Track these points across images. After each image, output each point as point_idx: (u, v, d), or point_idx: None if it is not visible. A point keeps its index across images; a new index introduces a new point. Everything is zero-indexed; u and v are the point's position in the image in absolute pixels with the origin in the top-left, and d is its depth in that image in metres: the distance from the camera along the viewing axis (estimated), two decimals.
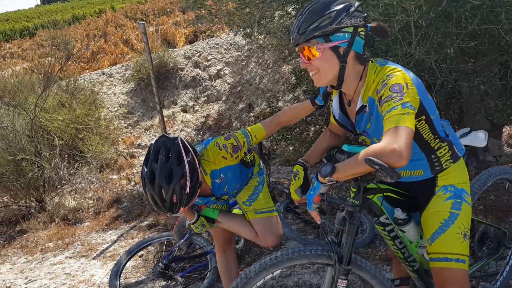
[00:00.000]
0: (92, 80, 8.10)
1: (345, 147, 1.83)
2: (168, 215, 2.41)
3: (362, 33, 1.75)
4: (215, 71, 7.58)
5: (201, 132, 6.76)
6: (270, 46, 6.23)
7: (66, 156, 5.66)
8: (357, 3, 1.73)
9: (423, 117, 1.76)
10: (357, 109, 1.85)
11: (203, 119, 6.99)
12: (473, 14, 3.32)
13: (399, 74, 1.68)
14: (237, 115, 6.82)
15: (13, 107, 5.97)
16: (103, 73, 8.43)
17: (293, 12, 5.00)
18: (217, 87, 7.38)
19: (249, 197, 2.55)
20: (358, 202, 1.80)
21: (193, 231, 2.64)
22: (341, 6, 1.70)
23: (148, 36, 10.39)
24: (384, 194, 2.00)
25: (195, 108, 7.27)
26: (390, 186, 1.97)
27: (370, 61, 1.83)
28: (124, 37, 10.36)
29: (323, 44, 1.73)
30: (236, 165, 2.41)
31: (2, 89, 6.44)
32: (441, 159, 1.87)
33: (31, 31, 28.15)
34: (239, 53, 7.51)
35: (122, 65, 8.53)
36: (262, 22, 5.17)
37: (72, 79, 7.41)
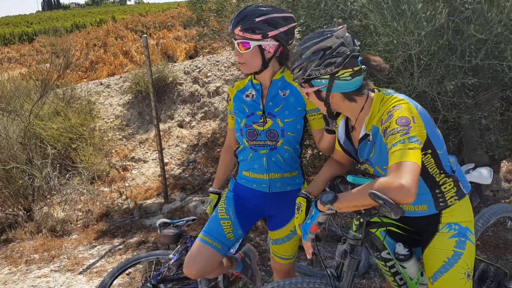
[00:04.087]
0: (89, 90, 8.04)
1: (349, 178, 1.79)
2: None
3: (345, 75, 1.73)
4: (214, 88, 7.55)
5: (197, 149, 6.70)
6: None
7: (57, 165, 5.56)
8: (336, 44, 1.71)
9: (429, 151, 1.73)
10: (360, 137, 1.82)
11: (199, 136, 6.94)
12: (477, 48, 3.32)
13: (406, 106, 1.65)
14: None
15: (7, 113, 5.89)
16: (101, 83, 8.38)
17: (297, 35, 4.98)
18: (215, 104, 7.35)
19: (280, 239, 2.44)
20: (360, 235, 1.75)
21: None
22: (313, 56, 1.72)
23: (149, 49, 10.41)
24: (387, 228, 1.95)
25: (192, 124, 7.22)
26: (393, 220, 1.92)
27: (377, 90, 1.80)
28: (124, 49, 10.34)
29: (307, 87, 1.81)
30: (301, 103, 2.24)
31: None
32: (445, 195, 1.83)
33: (30, 37, 28.20)
34: (239, 71, 7.50)
35: (121, 77, 8.49)
36: None
37: (69, 87, 7.35)
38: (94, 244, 4.60)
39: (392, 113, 1.63)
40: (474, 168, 2.19)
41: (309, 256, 1.78)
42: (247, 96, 2.32)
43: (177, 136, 7.04)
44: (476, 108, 3.80)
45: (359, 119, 1.81)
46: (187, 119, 7.32)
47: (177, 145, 6.86)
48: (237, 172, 2.44)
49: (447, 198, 1.83)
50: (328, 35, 1.72)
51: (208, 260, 2.28)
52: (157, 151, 6.75)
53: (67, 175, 5.57)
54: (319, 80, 1.75)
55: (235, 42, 2.17)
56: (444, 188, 1.82)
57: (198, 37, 5.82)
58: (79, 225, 5.05)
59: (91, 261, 4.22)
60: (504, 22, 3.05)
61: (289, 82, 2.27)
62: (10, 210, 5.20)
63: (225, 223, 2.37)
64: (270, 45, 2.16)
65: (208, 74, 7.83)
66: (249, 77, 2.36)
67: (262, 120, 2.24)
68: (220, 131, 6.88)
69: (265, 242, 4.16)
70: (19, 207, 5.19)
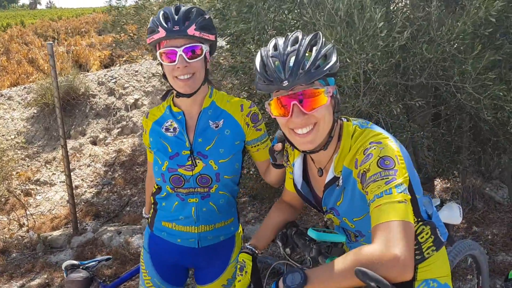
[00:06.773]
0: None
1: (311, 233, 1.39)
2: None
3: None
4: (132, 101, 6.92)
5: (112, 169, 6.02)
6: None
7: None
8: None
9: (409, 197, 1.38)
10: (326, 181, 1.43)
11: (115, 154, 6.27)
12: (421, 66, 3.14)
13: (387, 143, 1.29)
14: None
15: None
16: (1, 95, 7.40)
17: (225, 45, 4.58)
18: (133, 119, 6.72)
19: None
20: None
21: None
22: (325, 46, 1.32)
23: (57, 57, 9.46)
24: None
25: (107, 141, 6.52)
26: None
27: (345, 120, 1.43)
28: (30, 56, 9.33)
29: (327, 87, 1.29)
30: (239, 135, 1.77)
31: None
32: (422, 246, 1.50)
33: None
34: (160, 82, 6.95)
35: (24, 87, 7.56)
36: None
37: None
38: None
39: (370, 152, 1.26)
40: (441, 205, 1.90)
41: None
42: (167, 129, 1.79)
43: (90, 155, 6.31)
44: (409, 127, 3.64)
45: (331, 159, 1.41)
46: (102, 135, 6.61)
47: (89, 165, 6.13)
48: (154, 222, 1.94)
49: (424, 250, 1.50)
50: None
51: None
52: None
53: None
54: (333, 77, 1.34)
55: (178, 49, 1.58)
56: (421, 238, 1.49)
57: (114, 44, 5.21)
58: None
59: None
60: (453, 42, 2.87)
61: (222, 109, 1.78)
62: None
63: None
64: (208, 52, 1.69)
65: (126, 86, 7.18)
66: (166, 102, 1.83)
67: (190, 162, 1.74)
68: (140, 149, 6.27)
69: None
70: None
